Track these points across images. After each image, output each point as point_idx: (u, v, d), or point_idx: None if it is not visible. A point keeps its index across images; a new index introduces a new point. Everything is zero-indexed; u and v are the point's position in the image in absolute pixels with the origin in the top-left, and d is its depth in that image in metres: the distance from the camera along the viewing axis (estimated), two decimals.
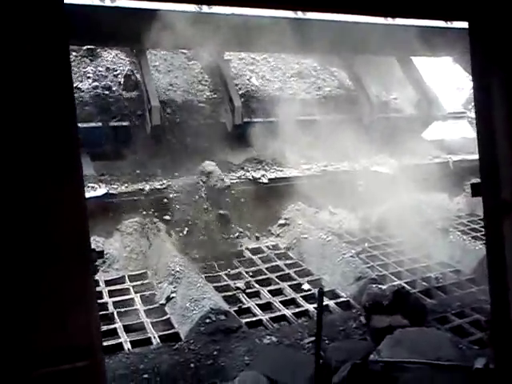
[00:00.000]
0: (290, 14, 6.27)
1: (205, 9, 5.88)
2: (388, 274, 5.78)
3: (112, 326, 4.46)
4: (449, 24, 6.77)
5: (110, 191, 5.90)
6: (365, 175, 7.03)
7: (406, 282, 5.51)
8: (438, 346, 3.93)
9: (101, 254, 2.01)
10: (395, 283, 5.44)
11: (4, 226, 1.55)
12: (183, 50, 7.65)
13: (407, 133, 7.71)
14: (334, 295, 5.28)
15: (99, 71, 7.11)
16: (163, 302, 4.92)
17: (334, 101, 7.89)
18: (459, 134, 8.79)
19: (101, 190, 5.73)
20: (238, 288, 5.30)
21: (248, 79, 7.64)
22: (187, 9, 5.77)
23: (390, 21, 6.76)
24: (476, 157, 6.88)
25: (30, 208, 1.59)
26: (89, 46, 7.08)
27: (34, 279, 1.61)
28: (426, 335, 4.14)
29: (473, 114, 8.30)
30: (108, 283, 5.32)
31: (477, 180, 2.48)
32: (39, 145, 1.59)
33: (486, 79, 2.24)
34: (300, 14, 6.32)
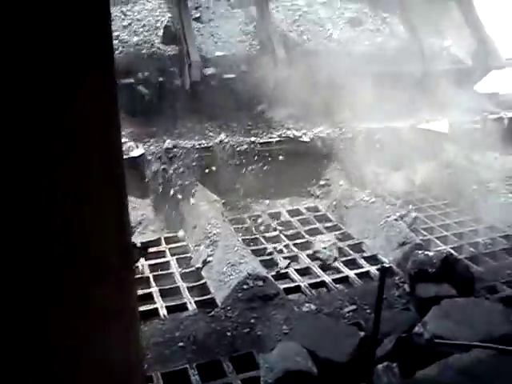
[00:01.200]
0: None
1: None
2: (433, 239, 5.50)
3: (148, 291, 4.41)
4: None
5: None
6: (411, 133, 6.62)
7: (452, 248, 5.23)
8: (488, 318, 3.71)
9: (144, 249, 1.81)
10: (440, 248, 5.18)
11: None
12: None
13: (461, 85, 7.21)
14: (375, 261, 5.07)
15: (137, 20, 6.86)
16: (199, 265, 4.83)
17: (384, 52, 7.38)
18: None
19: (138, 151, 5.60)
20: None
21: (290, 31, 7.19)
22: None
23: None
24: None
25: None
26: None
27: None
28: (475, 307, 3.90)
29: None
30: (144, 245, 5.26)
31: None
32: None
33: None
34: None
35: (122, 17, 6.88)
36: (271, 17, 6.94)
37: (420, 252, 4.56)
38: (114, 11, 6.80)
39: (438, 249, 5.10)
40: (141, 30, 6.74)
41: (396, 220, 5.57)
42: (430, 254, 4.52)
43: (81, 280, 1.40)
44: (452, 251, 4.98)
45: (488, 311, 3.84)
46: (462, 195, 6.35)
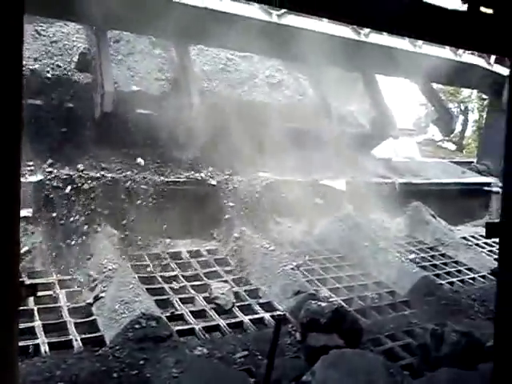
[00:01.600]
0: (265, 17, 6.26)
1: None
2: (326, 290, 5.72)
3: (30, 324, 4.09)
4: (417, 49, 7.03)
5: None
6: (313, 188, 6.96)
7: (343, 300, 5.48)
8: (370, 370, 3.88)
9: (33, 288, 1.68)
10: (332, 299, 5.40)
11: None
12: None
13: (359, 148, 7.77)
14: (270, 308, 5.15)
15: (51, 46, 6.64)
16: (90, 301, 4.59)
17: (295, 109, 7.78)
18: (407, 155, 8.98)
19: (35, 177, 5.31)
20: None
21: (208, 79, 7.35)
22: None
23: (362, 38, 6.91)
24: (421, 181, 7.07)
25: None
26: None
27: None
28: (360, 358, 4.07)
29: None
30: (31, 275, 4.92)
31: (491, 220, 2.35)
32: None
33: None
34: (275, 19, 6.30)
35: (37, 36, 6.65)
36: (191, 62, 7.06)
37: (313, 302, 4.72)
38: (29, 29, 6.57)
39: (330, 300, 5.31)
40: (55, 52, 6.54)
41: (292, 269, 5.75)
42: (323, 304, 4.69)
43: None
44: (343, 303, 5.21)
45: (370, 363, 4.03)
46: (355, 250, 6.72)
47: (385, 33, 7.35)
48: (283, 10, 6.60)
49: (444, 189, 8.73)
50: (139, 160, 6.21)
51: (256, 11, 6.55)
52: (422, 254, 7.24)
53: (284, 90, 8.15)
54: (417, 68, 7.79)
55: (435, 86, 9.39)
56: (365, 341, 4.57)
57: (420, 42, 7.78)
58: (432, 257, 7.24)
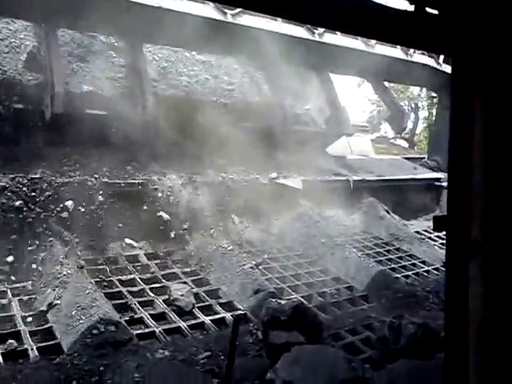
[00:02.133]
0: (219, 16, 6.25)
1: None
2: (286, 288, 5.76)
3: None
4: (369, 49, 7.21)
5: None
6: (270, 187, 7.00)
7: (302, 296, 5.53)
8: (332, 364, 3.94)
9: None
10: (292, 297, 5.45)
11: None
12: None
13: (314, 146, 7.86)
14: (231, 307, 5.14)
15: None
16: (44, 308, 4.44)
17: (250, 107, 7.78)
18: (361, 152, 9.17)
19: None
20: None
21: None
22: None
23: (316, 37, 7.02)
24: (374, 178, 7.23)
25: None
26: None
27: None
28: (321, 353, 4.13)
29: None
30: None
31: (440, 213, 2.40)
32: None
33: (467, 111, 2.17)
34: (230, 18, 6.31)
35: None
36: (144, 62, 6.94)
37: (273, 300, 4.75)
38: None
39: (290, 297, 5.35)
40: (2, 50, 6.28)
41: (252, 268, 5.76)
42: (283, 302, 4.73)
43: None
44: (303, 300, 5.26)
45: (332, 358, 4.09)
46: (313, 247, 6.80)
47: (338, 32, 7.48)
48: (238, 10, 6.61)
49: (397, 185, 8.98)
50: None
51: (211, 11, 6.53)
52: (378, 249, 7.41)
53: (239, 90, 8.14)
54: (370, 67, 7.97)
55: (387, 84, 9.62)
56: (325, 336, 4.63)
57: (373, 42, 7.96)
58: (387, 251, 7.42)
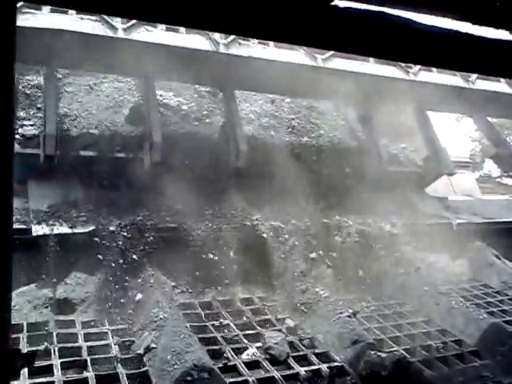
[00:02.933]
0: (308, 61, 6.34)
1: None
2: (386, 339, 5.40)
3: (83, 375, 4.03)
4: (470, 85, 6.96)
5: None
6: (368, 231, 6.75)
7: (404, 349, 5.14)
8: None
9: (31, 358, 1.53)
10: (393, 349, 5.08)
11: None
12: None
13: (414, 188, 7.54)
14: (327, 358, 4.88)
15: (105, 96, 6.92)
16: (141, 351, 4.51)
17: (344, 150, 7.68)
18: (466, 192, 8.62)
19: (88, 227, 5.39)
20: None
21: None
22: None
23: (411, 77, 6.91)
24: (481, 220, 6.68)
25: None
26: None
27: None
28: None
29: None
30: (85, 325, 4.91)
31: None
32: None
33: None
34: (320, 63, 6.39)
35: (89, 90, 6.95)
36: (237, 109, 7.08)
37: (372, 352, 4.46)
38: (82, 82, 6.90)
39: (391, 350, 4.99)
40: (108, 105, 6.78)
41: (349, 317, 5.48)
42: (383, 355, 4.42)
43: None
44: (405, 353, 4.88)
45: None
46: (414, 296, 6.37)
47: (434, 69, 7.26)
48: (328, 54, 6.61)
49: (508, 227, 8.24)
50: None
51: (302, 57, 6.59)
52: (489, 299, 6.76)
53: (334, 132, 8.05)
54: (471, 103, 7.57)
55: (491, 119, 9.05)
56: None
57: (473, 77, 7.58)
58: (500, 301, 6.74)
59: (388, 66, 7.13)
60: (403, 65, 7.14)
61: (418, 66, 7.21)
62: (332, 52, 6.48)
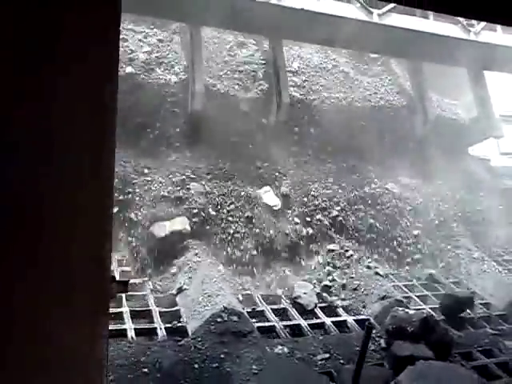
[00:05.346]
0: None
1: None
2: (414, 297, 5.43)
3: (118, 310, 4.23)
4: None
5: None
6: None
7: (431, 308, 5.17)
8: None
9: (125, 285, 1.66)
10: (420, 307, 5.11)
11: None
12: None
13: (458, 147, 7.43)
14: (354, 311, 4.97)
15: None
16: (174, 292, 4.68)
17: (390, 108, 7.50)
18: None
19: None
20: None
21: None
22: None
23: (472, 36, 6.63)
24: None
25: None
26: None
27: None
28: (450, 372, 3.81)
29: None
30: (120, 263, 5.11)
31: None
32: None
33: None
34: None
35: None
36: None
37: (400, 309, 4.50)
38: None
39: (418, 308, 5.03)
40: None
41: (377, 274, 5.53)
42: (410, 312, 4.45)
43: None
44: (432, 312, 4.91)
45: (463, 378, 3.75)
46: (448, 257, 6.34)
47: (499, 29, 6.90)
48: (385, 9, 6.29)
49: None
50: None
51: (355, 11, 6.30)
52: None
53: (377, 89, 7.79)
54: None
55: None
56: (455, 354, 4.27)
57: None
58: None
59: (448, 23, 6.75)
60: (465, 23, 6.76)
61: (481, 25, 6.81)
62: (390, 6, 6.17)
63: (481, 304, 5.47)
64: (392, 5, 6.11)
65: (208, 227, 5.45)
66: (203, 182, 5.75)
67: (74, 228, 1.35)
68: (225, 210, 5.64)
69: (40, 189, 1.30)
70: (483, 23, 6.79)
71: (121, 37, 1.89)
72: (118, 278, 1.63)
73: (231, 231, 5.52)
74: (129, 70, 6.17)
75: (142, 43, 6.59)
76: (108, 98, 1.35)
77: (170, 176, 5.69)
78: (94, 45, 1.31)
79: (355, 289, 5.33)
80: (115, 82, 1.37)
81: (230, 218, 5.59)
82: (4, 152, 1.24)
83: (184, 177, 5.72)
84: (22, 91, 1.25)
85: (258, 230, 5.61)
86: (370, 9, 6.30)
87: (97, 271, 1.40)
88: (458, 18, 6.53)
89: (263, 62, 7.01)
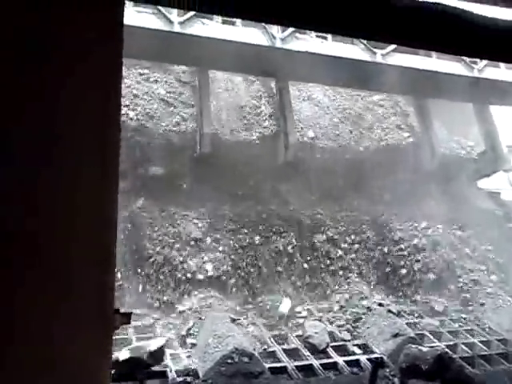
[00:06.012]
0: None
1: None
2: (427, 334, 5.34)
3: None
4: None
5: None
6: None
7: (446, 345, 5.07)
8: None
9: (128, 317, 1.71)
10: (434, 345, 5.02)
11: None
12: None
13: (466, 181, 7.46)
14: (366, 349, 4.90)
15: None
16: (184, 333, 4.66)
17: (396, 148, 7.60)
18: None
19: None
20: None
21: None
22: None
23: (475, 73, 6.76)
24: None
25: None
26: None
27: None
28: None
29: None
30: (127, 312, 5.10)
31: None
32: None
33: None
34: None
35: None
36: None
37: (413, 346, 4.42)
38: None
39: (432, 345, 4.94)
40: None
41: (390, 311, 5.47)
42: (424, 349, 4.38)
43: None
44: (446, 349, 4.82)
45: None
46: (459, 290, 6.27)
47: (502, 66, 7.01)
48: (389, 49, 6.43)
49: None
50: None
51: (359, 52, 6.46)
52: None
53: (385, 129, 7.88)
54: None
55: None
56: None
57: None
58: None
59: (450, 61, 6.88)
60: (468, 60, 6.89)
61: (484, 62, 6.93)
62: (393, 47, 6.30)
63: (497, 340, 5.35)
64: (393, 46, 6.25)
65: None
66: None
67: (76, 231, 1.37)
68: None
69: (40, 190, 1.30)
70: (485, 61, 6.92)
71: None
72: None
73: None
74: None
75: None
76: (112, 96, 1.37)
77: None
78: (98, 45, 1.34)
79: (368, 327, 5.27)
80: (119, 81, 1.39)
81: None
82: (4, 152, 1.25)
83: None
84: (22, 91, 1.27)
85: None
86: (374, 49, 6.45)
87: (100, 275, 1.42)
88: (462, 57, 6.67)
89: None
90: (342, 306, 5.69)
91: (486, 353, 5.07)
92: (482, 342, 5.28)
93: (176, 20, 5.34)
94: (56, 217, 1.34)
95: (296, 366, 4.40)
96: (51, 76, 1.31)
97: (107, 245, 1.47)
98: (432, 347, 4.70)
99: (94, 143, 1.39)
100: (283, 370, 4.36)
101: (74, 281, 1.38)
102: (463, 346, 5.13)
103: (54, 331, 1.36)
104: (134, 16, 5.10)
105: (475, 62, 7.05)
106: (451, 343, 5.16)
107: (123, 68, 1.44)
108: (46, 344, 1.35)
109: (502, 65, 7.15)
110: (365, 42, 6.32)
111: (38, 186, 1.31)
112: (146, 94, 6.52)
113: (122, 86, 1.48)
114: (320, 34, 6.17)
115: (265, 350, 4.64)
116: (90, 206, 1.38)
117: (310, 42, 6.08)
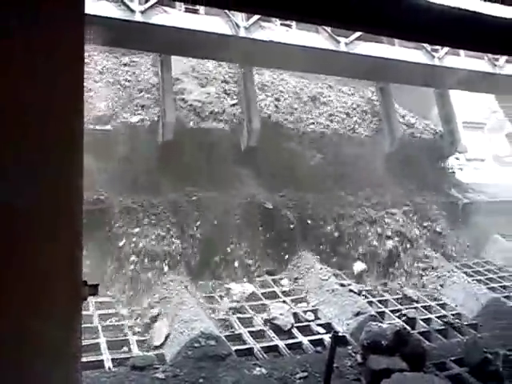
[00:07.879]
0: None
1: None
2: (387, 312, 5.54)
3: (95, 341, 4.22)
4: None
5: None
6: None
7: (405, 322, 5.29)
8: None
9: (95, 288, 1.77)
10: (394, 322, 5.22)
11: None
12: None
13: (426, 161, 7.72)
14: (330, 328, 5.05)
15: None
16: (148, 321, 4.68)
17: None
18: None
19: None
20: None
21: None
22: None
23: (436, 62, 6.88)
24: (488, 199, 6.68)
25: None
26: None
27: None
28: (424, 382, 3.91)
29: None
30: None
31: None
32: None
33: None
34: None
35: None
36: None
37: (374, 323, 4.59)
38: None
39: (392, 322, 5.14)
40: None
41: (352, 290, 5.64)
42: (384, 326, 4.56)
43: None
44: (405, 325, 5.03)
45: None
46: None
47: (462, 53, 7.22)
48: (352, 38, 6.46)
49: None
50: None
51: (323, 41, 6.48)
52: (490, 275, 6.88)
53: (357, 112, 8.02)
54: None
55: None
56: (429, 365, 4.37)
57: (501, 62, 7.41)
58: (501, 278, 6.85)
59: (412, 49, 7.00)
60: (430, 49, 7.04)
61: (444, 50, 7.10)
62: (356, 35, 6.35)
63: (452, 315, 5.61)
64: (358, 34, 6.30)
65: None
66: None
67: (45, 228, 1.41)
68: None
69: (10, 189, 1.34)
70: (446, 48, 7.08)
71: None
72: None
73: None
74: None
75: None
76: (75, 86, 1.40)
77: None
78: (60, 34, 1.36)
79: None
80: (82, 70, 1.43)
81: None
82: None
83: None
84: None
85: None
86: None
87: (69, 271, 1.46)
88: (423, 44, 6.81)
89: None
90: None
91: (441, 327, 5.32)
92: (438, 317, 5.53)
93: (137, 9, 5.23)
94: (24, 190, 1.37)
95: (262, 347, 4.51)
96: (13, 67, 1.32)
97: (75, 219, 1.50)
98: (392, 324, 4.91)
99: (57, 134, 1.42)
100: (249, 351, 4.46)
101: (45, 254, 1.41)
102: (420, 322, 5.37)
103: (23, 303, 1.39)
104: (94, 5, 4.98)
105: (436, 50, 7.19)
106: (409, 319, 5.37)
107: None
108: (14, 317, 1.38)
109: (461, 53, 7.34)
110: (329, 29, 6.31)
111: (9, 184, 1.35)
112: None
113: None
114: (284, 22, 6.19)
115: (232, 332, 4.72)
116: (56, 179, 1.42)
117: (275, 31, 6.08)
